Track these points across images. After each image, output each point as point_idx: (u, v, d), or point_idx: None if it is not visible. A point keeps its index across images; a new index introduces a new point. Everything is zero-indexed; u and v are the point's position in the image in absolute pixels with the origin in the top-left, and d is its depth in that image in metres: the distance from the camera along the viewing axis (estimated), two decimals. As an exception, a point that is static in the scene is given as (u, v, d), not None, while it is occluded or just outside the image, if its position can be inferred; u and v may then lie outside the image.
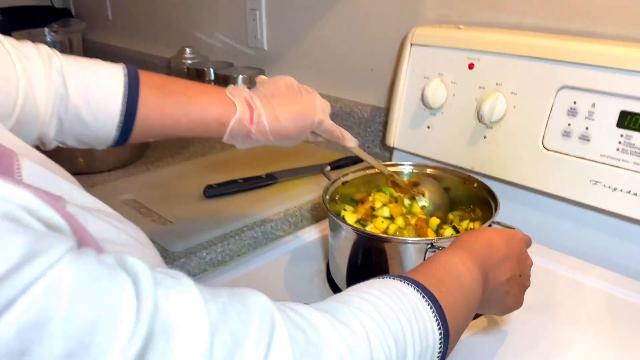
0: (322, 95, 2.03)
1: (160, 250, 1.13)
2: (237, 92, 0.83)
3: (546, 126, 1.16)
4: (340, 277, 1.07)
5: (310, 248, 1.26)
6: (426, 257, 0.93)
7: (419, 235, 1.07)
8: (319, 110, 0.88)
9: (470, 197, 1.15)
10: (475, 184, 1.13)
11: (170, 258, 1.11)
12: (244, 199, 1.35)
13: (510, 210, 1.16)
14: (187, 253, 1.13)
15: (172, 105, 0.76)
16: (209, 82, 2.00)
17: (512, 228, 0.96)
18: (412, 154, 1.43)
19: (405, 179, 1.22)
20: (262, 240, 1.25)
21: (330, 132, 0.92)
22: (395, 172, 1.21)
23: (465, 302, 0.61)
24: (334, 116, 1.89)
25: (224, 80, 1.89)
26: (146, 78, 0.76)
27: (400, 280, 0.57)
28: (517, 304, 0.79)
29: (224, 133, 0.81)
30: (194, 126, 0.79)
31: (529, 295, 0.87)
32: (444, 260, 0.65)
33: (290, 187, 1.42)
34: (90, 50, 3.00)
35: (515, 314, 0.89)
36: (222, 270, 1.17)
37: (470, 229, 1.09)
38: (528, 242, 0.87)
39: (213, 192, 1.34)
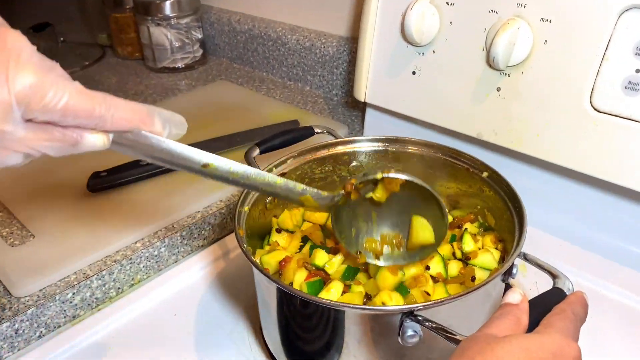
0: (274, 24, 1.56)
1: (0, 295, 0.73)
2: None
3: (598, 73, 0.73)
4: (273, 341, 0.68)
5: (242, 266, 0.86)
6: (402, 331, 0.53)
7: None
8: (23, 52, 0.38)
9: (477, 194, 0.73)
10: (486, 174, 0.71)
11: (12, 309, 0.71)
12: (145, 191, 0.93)
13: (537, 206, 0.75)
14: (40, 298, 0.73)
15: None
16: (129, 11, 1.51)
17: (556, 277, 0.55)
18: (390, 113, 1.00)
19: (364, 160, 0.79)
20: (167, 258, 0.85)
21: (87, 105, 0.40)
22: (354, 151, 0.79)
23: None
24: (289, 52, 1.43)
25: (144, 10, 1.40)
26: None
27: None
28: None
29: None
30: None
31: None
32: None
33: (219, 167, 0.99)
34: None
35: None
36: (102, 315, 0.78)
37: (477, 250, 0.68)
38: (582, 319, 0.47)
39: (100, 183, 0.92)
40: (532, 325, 0.49)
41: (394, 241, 0.62)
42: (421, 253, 0.61)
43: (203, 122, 1.16)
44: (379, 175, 0.59)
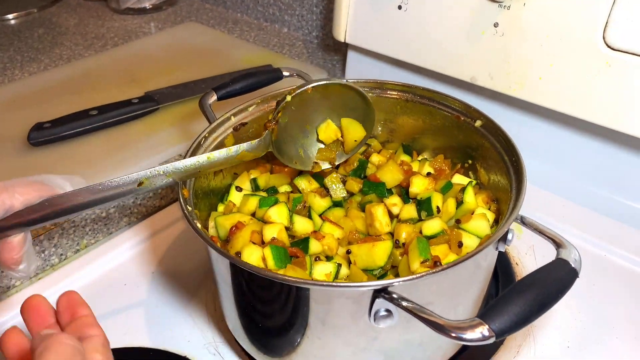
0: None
1: None
2: None
3: (614, 2, 0.61)
4: (231, 317, 0.58)
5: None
6: (373, 310, 0.44)
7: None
8: None
9: (468, 146, 0.63)
10: (479, 122, 0.61)
11: None
12: (93, 144, 0.83)
13: (537, 160, 0.65)
14: (-36, 267, 0.63)
15: None
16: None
17: (560, 245, 0.46)
18: (374, 56, 0.88)
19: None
20: (118, 221, 0.75)
21: None
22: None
23: None
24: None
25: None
26: None
27: None
28: None
29: None
30: None
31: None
32: None
33: (179, 116, 0.89)
34: None
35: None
36: (42, 285, 0.69)
37: (470, 214, 0.58)
38: None
39: (43, 135, 0.81)
40: (538, 305, 0.40)
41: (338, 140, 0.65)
42: (360, 145, 0.65)
43: (168, 67, 1.04)
44: (288, 98, 0.59)
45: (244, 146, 0.57)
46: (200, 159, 0.54)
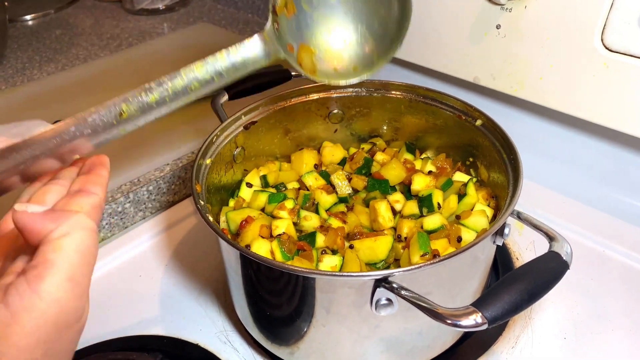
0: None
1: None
2: None
3: (612, 6, 0.63)
4: (240, 306, 0.61)
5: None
6: (374, 299, 0.47)
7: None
8: None
9: (469, 143, 0.66)
10: (479, 122, 0.64)
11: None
12: (111, 142, 0.85)
13: (537, 158, 0.67)
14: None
15: None
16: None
17: (552, 238, 0.48)
18: (379, 55, 0.90)
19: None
20: (133, 215, 0.78)
21: None
22: (334, 97, 0.71)
23: None
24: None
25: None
26: None
27: None
28: None
29: None
30: None
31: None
32: None
33: (191, 114, 0.91)
34: None
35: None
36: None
37: (470, 210, 0.61)
38: None
39: (62, 133, 0.84)
40: (528, 294, 0.42)
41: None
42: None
43: (159, 70, 1.07)
44: None
45: (237, 47, 0.45)
46: (188, 72, 0.44)
